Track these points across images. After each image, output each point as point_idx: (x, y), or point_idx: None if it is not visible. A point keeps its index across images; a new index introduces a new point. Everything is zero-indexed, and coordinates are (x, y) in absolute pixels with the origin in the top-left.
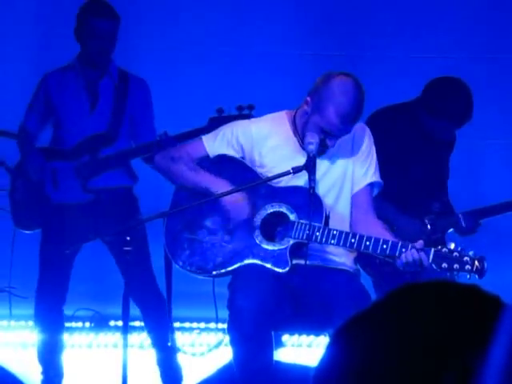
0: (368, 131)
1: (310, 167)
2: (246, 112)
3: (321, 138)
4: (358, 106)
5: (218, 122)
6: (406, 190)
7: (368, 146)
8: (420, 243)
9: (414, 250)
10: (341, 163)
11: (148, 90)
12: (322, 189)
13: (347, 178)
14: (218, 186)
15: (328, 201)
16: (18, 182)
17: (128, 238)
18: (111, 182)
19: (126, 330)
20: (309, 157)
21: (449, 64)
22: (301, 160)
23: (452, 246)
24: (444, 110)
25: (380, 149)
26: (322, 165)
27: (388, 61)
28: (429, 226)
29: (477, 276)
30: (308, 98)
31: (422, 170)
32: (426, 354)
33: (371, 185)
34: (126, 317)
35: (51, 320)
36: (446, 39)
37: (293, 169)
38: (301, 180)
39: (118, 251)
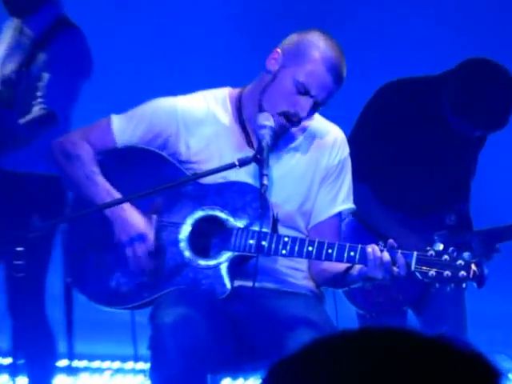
0: (346, 145)
1: (261, 159)
2: None
3: (285, 113)
4: (344, 63)
5: None
6: (415, 197)
7: (341, 162)
8: (392, 242)
9: (381, 251)
10: (307, 165)
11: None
12: (277, 193)
13: (309, 184)
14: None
15: (286, 209)
16: None
17: (20, 249)
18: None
19: (15, 370)
20: (260, 145)
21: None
22: (244, 155)
23: (441, 247)
24: (469, 111)
25: (385, 136)
26: (282, 162)
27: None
28: None
29: (475, 284)
30: (278, 50)
31: (437, 172)
32: None
33: (340, 213)
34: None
35: None
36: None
37: (238, 161)
38: (247, 178)
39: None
